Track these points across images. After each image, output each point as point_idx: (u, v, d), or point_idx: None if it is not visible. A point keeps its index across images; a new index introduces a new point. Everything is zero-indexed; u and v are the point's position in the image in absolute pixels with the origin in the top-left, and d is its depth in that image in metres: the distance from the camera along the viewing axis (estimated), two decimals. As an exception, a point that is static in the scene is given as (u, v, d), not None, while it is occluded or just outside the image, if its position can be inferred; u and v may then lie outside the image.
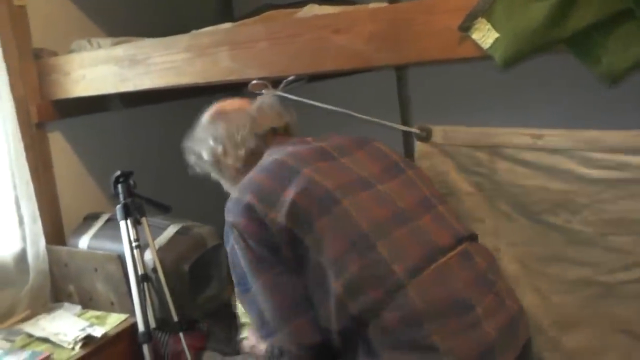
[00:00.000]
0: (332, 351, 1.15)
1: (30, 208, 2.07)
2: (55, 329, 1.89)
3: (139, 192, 1.88)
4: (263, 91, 1.60)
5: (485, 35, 1.34)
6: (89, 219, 2.21)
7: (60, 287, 2.14)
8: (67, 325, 1.91)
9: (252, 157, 1.37)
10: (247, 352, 1.44)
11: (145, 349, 1.73)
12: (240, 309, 1.96)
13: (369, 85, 2.52)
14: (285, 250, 1.16)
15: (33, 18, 2.17)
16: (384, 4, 1.66)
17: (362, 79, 2.27)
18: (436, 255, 1.15)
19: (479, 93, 2.46)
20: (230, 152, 1.39)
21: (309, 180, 1.20)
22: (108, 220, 2.15)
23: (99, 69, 1.98)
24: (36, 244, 2.08)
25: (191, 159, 1.49)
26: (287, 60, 1.60)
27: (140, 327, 1.73)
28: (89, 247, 2.10)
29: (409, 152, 2.09)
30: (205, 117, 1.49)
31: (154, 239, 1.88)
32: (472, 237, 1.31)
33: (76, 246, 2.14)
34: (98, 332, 1.85)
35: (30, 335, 1.89)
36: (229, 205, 1.25)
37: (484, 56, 1.35)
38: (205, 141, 1.43)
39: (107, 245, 2.03)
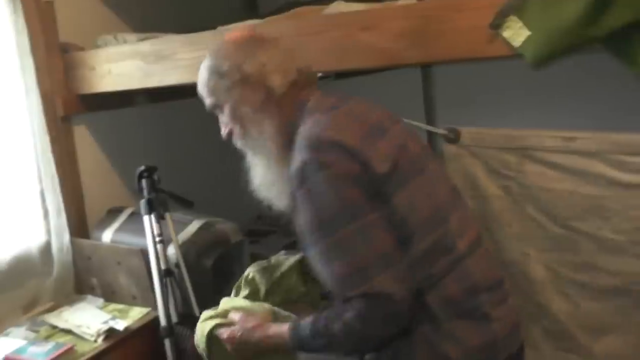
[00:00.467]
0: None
1: (55, 201, 2.09)
2: (78, 321, 1.91)
3: (163, 187, 1.88)
4: None
5: (516, 34, 1.32)
6: (112, 212, 2.23)
7: (83, 279, 2.16)
8: (90, 318, 1.93)
9: (289, 93, 1.23)
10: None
11: (167, 343, 1.73)
12: None
13: (393, 83, 2.49)
14: (380, 197, 1.10)
15: (60, 14, 2.19)
16: (413, 1, 1.63)
17: (386, 78, 2.25)
18: (481, 240, 1.23)
19: (505, 93, 2.42)
20: (279, 72, 1.22)
21: (401, 137, 1.18)
22: (131, 214, 2.16)
23: (125, 64, 1.99)
24: (60, 237, 2.11)
25: (209, 84, 1.27)
26: (314, 57, 1.59)
27: (163, 322, 1.74)
28: (112, 240, 2.12)
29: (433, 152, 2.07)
30: (234, 37, 1.29)
31: (176, 234, 1.89)
32: None
33: (99, 239, 2.16)
34: (120, 325, 1.87)
35: (53, 327, 1.92)
36: (311, 142, 1.12)
37: (514, 55, 1.32)
38: (246, 56, 1.23)
39: (130, 240, 2.04)
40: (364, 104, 1.26)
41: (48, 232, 2.11)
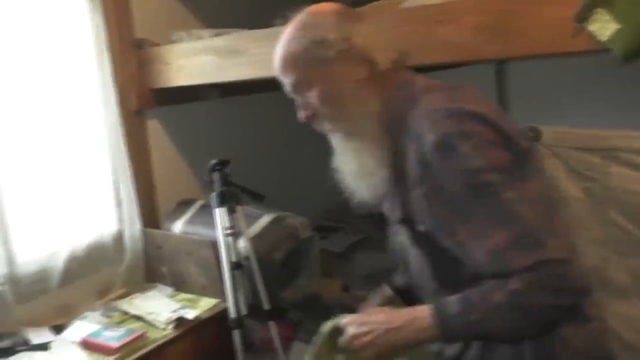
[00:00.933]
0: None
1: (127, 192, 2.17)
2: (149, 309, 1.97)
3: (234, 181, 1.90)
4: None
5: (603, 27, 1.25)
6: (183, 204, 2.28)
7: (153, 268, 2.22)
8: (160, 306, 1.98)
9: (390, 71, 1.16)
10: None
11: (236, 334, 1.75)
12: None
13: (466, 80, 2.43)
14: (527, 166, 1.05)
15: (136, 10, 2.26)
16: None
17: (459, 73, 2.20)
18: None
19: (583, 91, 2.32)
20: (384, 48, 1.15)
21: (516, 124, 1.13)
22: (201, 207, 2.20)
23: (199, 59, 2.03)
24: (132, 226, 2.18)
25: (303, 56, 1.14)
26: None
27: (232, 313, 1.77)
28: (182, 231, 2.17)
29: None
30: (331, 9, 1.18)
31: (247, 227, 1.90)
32: None
33: (170, 230, 2.21)
34: (190, 314, 1.91)
35: (125, 313, 1.98)
36: (449, 113, 1.04)
37: (600, 50, 1.26)
38: (353, 27, 1.15)
39: (200, 231, 2.09)
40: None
41: (121, 221, 2.19)
